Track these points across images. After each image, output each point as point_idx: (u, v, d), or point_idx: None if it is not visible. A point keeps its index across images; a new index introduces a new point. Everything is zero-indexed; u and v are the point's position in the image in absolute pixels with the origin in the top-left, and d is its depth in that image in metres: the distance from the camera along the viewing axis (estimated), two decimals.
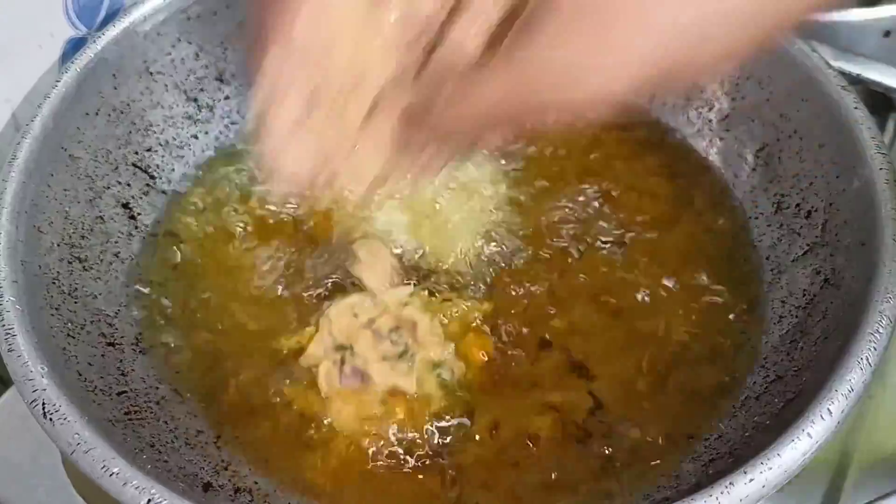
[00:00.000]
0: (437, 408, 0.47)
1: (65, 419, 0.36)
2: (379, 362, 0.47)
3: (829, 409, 0.36)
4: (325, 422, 0.46)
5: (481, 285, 0.52)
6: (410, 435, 0.46)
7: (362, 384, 0.46)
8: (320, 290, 0.52)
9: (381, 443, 0.45)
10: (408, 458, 0.45)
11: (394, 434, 0.46)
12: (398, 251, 0.53)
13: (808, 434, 0.35)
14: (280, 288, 0.53)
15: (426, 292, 0.51)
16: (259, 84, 0.35)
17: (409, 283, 0.51)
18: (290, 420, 0.47)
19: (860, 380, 0.37)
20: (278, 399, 0.47)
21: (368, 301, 0.50)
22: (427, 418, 0.46)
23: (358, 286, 0.51)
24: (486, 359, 0.49)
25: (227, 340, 0.51)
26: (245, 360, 0.49)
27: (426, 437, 0.46)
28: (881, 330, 0.38)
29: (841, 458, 0.50)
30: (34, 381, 0.37)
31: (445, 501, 0.44)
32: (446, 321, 0.50)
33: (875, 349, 0.38)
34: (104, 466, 0.35)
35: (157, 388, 0.48)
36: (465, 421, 0.46)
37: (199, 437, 0.46)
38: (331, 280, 0.53)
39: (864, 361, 0.37)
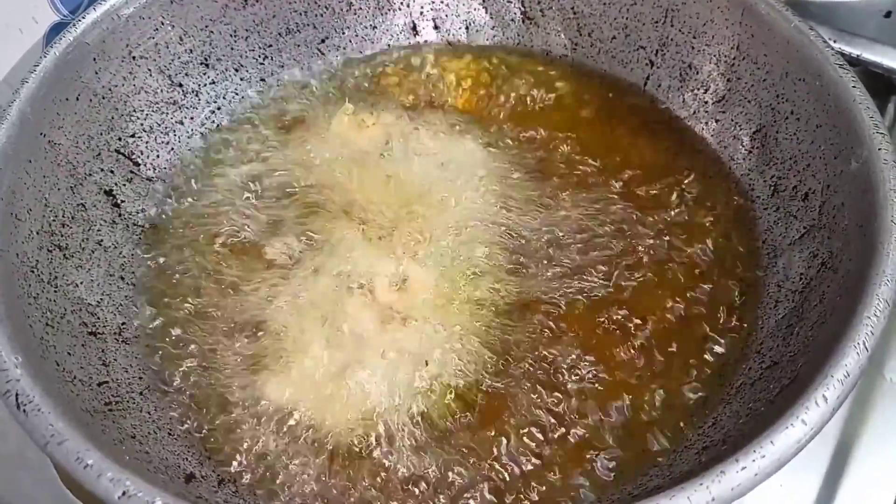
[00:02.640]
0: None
1: (38, 410, 0.35)
2: None
3: (824, 396, 0.35)
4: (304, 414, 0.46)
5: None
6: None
7: None
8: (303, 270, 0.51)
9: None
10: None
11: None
12: None
13: (803, 421, 0.34)
14: (266, 276, 0.52)
15: None
16: None
17: None
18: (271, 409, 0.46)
19: (856, 365, 0.36)
20: (260, 393, 0.47)
21: None
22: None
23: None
24: None
25: (212, 331, 0.50)
26: (230, 350, 0.49)
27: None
28: (878, 314, 0.37)
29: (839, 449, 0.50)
30: (7, 371, 0.36)
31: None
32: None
33: (872, 333, 0.37)
34: (78, 458, 0.34)
35: (141, 378, 0.47)
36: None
37: (182, 427, 0.45)
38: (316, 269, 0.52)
39: (861, 346, 0.36)
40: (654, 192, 0.56)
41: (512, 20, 0.67)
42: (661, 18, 0.60)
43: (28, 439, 0.47)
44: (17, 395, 0.36)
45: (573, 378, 0.47)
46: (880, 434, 0.51)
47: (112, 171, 0.55)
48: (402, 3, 0.67)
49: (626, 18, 0.62)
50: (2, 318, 0.39)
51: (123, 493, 0.33)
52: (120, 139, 0.56)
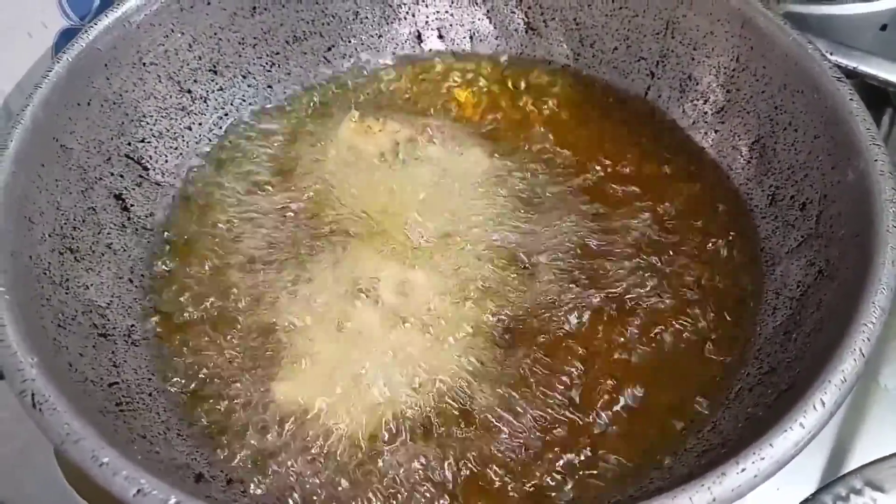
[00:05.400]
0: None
1: (54, 409, 0.36)
2: None
3: (822, 400, 0.36)
4: (312, 415, 0.46)
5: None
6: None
7: None
8: (309, 274, 0.52)
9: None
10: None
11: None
12: None
13: (801, 424, 0.35)
14: (273, 280, 0.53)
15: None
16: None
17: None
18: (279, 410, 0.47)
19: (853, 370, 0.37)
20: (268, 394, 0.47)
21: None
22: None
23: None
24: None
25: (220, 334, 0.50)
26: (238, 352, 0.49)
27: None
28: (874, 321, 0.38)
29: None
30: (23, 371, 0.37)
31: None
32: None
33: (868, 340, 0.38)
34: (94, 456, 0.34)
35: (150, 379, 0.48)
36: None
37: (191, 428, 0.46)
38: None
39: (858, 352, 0.37)
40: (654, 200, 0.57)
41: (515, 30, 0.68)
42: (662, 30, 0.61)
43: (32, 440, 0.48)
44: (32, 394, 0.36)
45: (573, 383, 0.48)
46: (875, 439, 0.52)
47: (122, 176, 0.55)
48: (407, 13, 0.68)
49: (628, 30, 0.63)
50: (17, 319, 0.39)
51: (138, 491, 0.33)
52: (130, 144, 0.56)
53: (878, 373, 0.54)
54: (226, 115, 0.63)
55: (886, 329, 0.39)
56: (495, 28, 0.68)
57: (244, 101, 0.64)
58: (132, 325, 0.50)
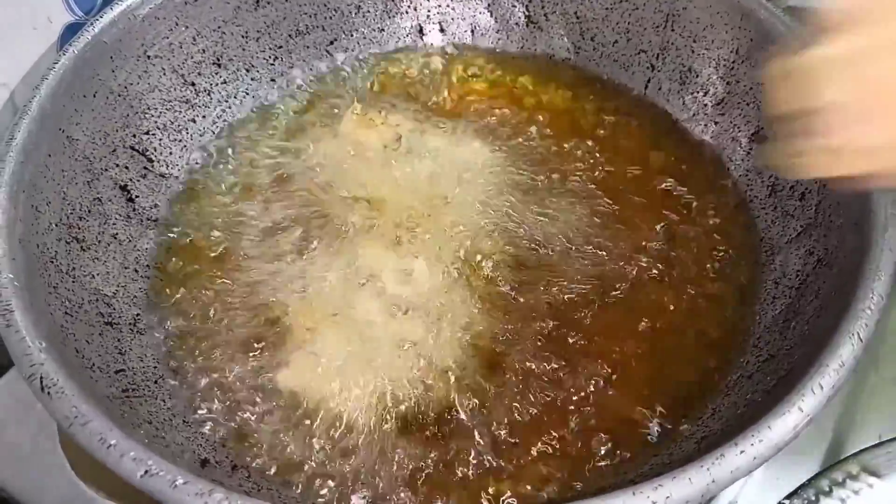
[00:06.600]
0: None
1: (62, 393, 0.36)
2: None
3: (820, 384, 0.36)
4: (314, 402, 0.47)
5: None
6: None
7: None
8: (313, 264, 0.53)
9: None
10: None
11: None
12: None
13: (800, 408, 0.35)
14: (276, 271, 0.53)
15: None
16: None
17: None
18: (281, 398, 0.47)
19: (851, 355, 0.37)
20: (271, 382, 0.48)
21: None
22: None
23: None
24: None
25: (224, 322, 0.51)
26: (241, 340, 0.50)
27: None
28: (872, 307, 0.39)
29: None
30: (32, 355, 0.38)
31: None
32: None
33: (866, 325, 0.38)
34: (101, 439, 0.35)
35: (155, 367, 0.49)
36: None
37: (196, 415, 0.47)
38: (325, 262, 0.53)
39: (856, 337, 0.38)
40: (655, 192, 0.58)
41: (516, 24, 0.68)
42: (662, 23, 0.62)
43: (39, 429, 0.49)
44: (41, 378, 0.37)
45: (574, 371, 0.48)
46: (875, 429, 0.52)
47: (127, 167, 0.56)
48: (408, 7, 0.68)
49: (628, 23, 0.63)
50: (26, 305, 0.40)
51: (146, 472, 0.34)
52: (135, 136, 0.57)
53: (877, 362, 0.55)
54: (229, 107, 0.63)
55: (885, 318, 0.39)
56: (496, 22, 0.69)
57: (247, 93, 0.64)
58: (137, 314, 0.51)
